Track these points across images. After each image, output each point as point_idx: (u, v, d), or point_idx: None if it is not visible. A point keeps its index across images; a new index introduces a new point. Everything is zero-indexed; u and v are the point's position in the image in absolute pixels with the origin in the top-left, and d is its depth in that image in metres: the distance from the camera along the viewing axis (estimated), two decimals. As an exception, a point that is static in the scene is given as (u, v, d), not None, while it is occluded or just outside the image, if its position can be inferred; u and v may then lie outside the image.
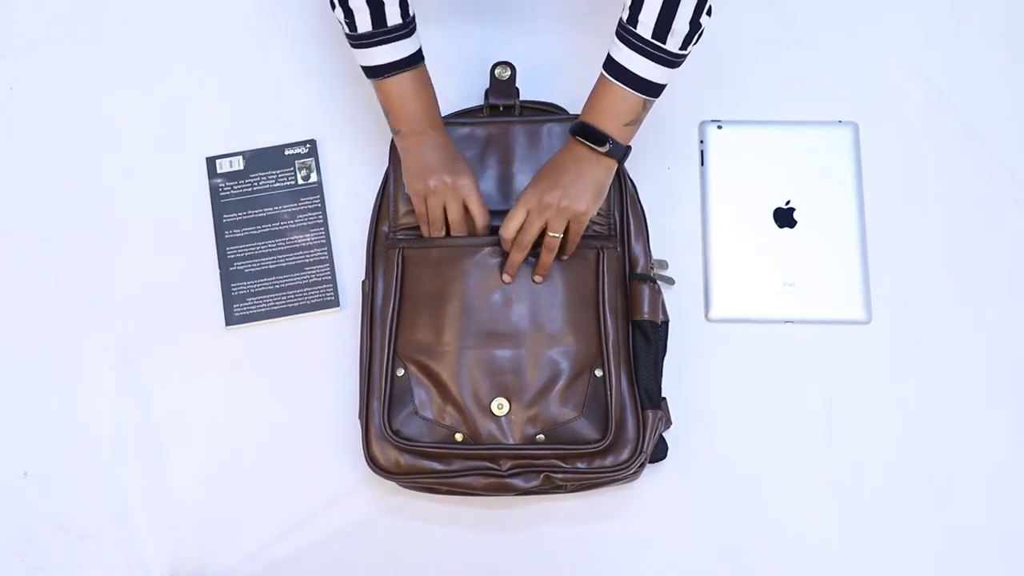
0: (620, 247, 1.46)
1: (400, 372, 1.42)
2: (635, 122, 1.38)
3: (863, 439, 1.48)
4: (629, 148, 1.40)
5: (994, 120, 1.60)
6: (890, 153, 1.58)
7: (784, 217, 1.54)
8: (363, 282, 1.48)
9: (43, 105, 1.62)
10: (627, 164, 1.50)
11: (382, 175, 1.51)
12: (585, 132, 1.38)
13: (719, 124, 1.58)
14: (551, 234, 1.40)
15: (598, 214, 1.44)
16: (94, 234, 1.56)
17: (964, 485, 1.47)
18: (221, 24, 1.65)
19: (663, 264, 1.49)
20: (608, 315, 1.42)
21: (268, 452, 1.49)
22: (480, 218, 1.43)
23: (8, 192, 1.59)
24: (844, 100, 1.60)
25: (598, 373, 1.41)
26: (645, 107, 1.38)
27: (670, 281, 1.49)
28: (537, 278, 1.43)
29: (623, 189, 1.49)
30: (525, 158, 1.51)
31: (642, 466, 1.42)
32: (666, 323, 1.46)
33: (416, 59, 1.40)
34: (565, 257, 1.43)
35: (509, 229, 1.41)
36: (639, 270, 1.47)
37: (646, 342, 1.43)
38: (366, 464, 1.41)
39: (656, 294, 1.45)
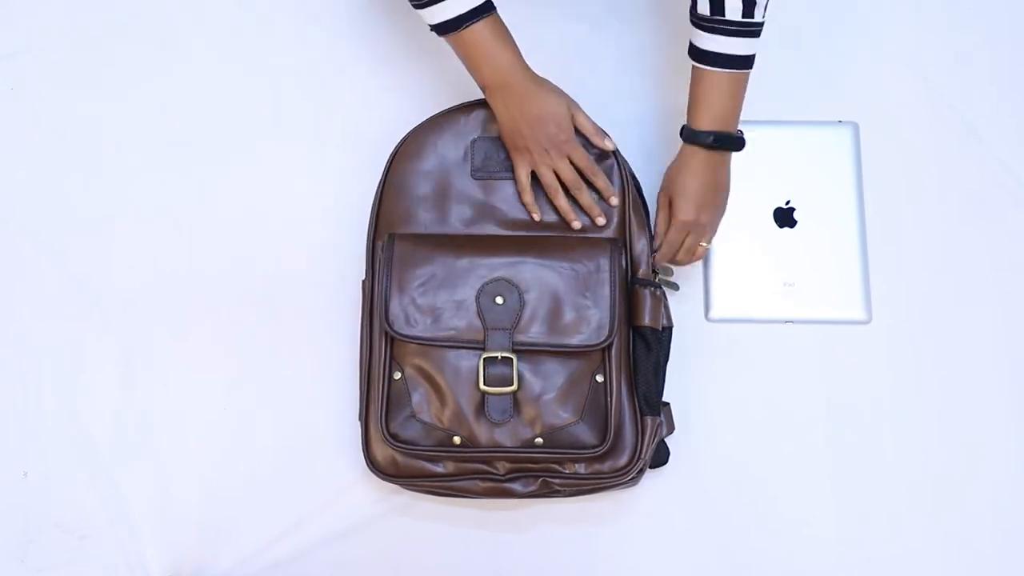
0: (623, 249, 1.46)
1: (397, 375, 1.41)
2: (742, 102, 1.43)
3: (863, 439, 1.48)
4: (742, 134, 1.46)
5: (994, 120, 1.60)
6: (890, 153, 1.58)
7: (784, 217, 1.54)
8: (363, 282, 1.47)
9: (43, 105, 1.62)
10: (627, 163, 1.50)
11: (382, 175, 1.51)
12: (721, 140, 1.42)
13: (719, 124, 1.58)
14: (703, 244, 1.47)
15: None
16: (94, 234, 1.56)
17: (964, 485, 1.47)
18: (221, 25, 1.65)
19: (668, 269, 1.48)
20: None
21: (268, 452, 1.48)
22: (584, 170, 1.44)
23: (8, 192, 1.59)
24: (844, 100, 1.60)
25: (598, 378, 1.40)
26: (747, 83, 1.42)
27: (674, 286, 1.49)
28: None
29: (626, 189, 1.47)
30: None
31: (640, 472, 1.42)
32: (669, 329, 1.44)
33: (488, 6, 1.38)
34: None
35: (671, 248, 1.46)
36: (641, 273, 1.46)
37: (646, 349, 1.42)
38: (366, 465, 1.41)
39: (658, 300, 1.44)
